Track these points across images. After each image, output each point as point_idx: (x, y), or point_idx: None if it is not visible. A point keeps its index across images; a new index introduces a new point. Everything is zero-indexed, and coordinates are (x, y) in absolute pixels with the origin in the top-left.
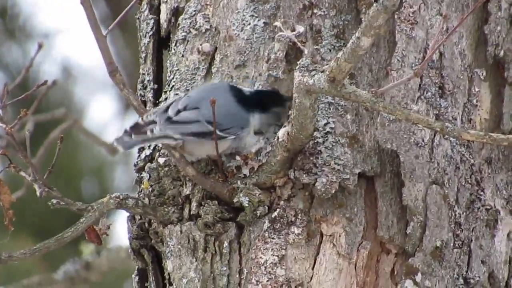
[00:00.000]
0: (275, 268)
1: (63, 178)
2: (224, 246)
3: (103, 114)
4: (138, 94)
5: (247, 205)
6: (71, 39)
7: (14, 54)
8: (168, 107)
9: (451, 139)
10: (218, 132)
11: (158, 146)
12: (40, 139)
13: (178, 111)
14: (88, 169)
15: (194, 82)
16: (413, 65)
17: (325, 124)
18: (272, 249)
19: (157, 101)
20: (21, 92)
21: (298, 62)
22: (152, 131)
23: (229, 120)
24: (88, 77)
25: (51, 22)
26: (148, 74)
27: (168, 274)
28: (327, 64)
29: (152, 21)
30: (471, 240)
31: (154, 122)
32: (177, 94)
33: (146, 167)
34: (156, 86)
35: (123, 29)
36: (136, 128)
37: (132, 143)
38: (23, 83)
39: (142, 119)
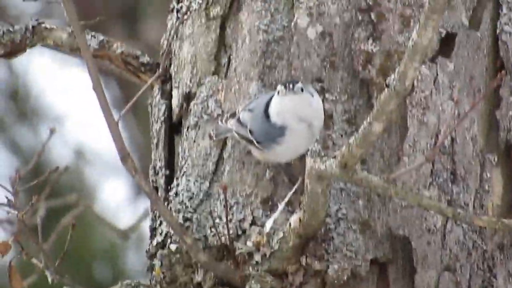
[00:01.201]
0: None
1: (75, 263)
2: None
3: (115, 198)
4: (150, 180)
5: None
6: (83, 123)
7: (25, 136)
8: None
9: (463, 225)
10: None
11: (170, 233)
12: (52, 224)
13: (245, 110)
14: (100, 254)
15: (205, 169)
16: (425, 150)
17: (337, 210)
18: None
19: (169, 188)
20: (33, 176)
21: (309, 148)
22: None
23: (260, 135)
24: (100, 161)
25: (62, 105)
26: (159, 160)
27: None
28: (338, 150)
29: (164, 106)
30: None
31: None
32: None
33: (157, 254)
34: (168, 172)
35: (136, 113)
36: (231, 117)
37: (218, 132)
38: (35, 167)
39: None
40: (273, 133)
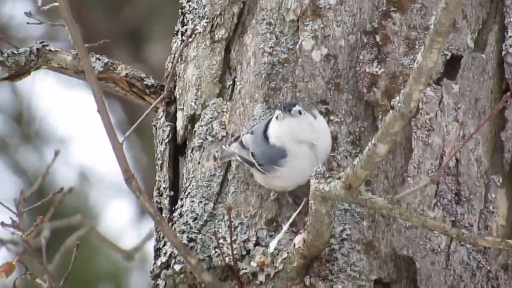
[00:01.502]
0: None
1: (80, 284)
2: None
3: (119, 219)
4: (154, 201)
5: None
6: (88, 145)
7: (30, 158)
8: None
9: (467, 245)
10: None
11: (174, 253)
12: (56, 245)
13: (247, 132)
14: (105, 275)
15: (210, 190)
16: (430, 171)
17: (341, 231)
18: None
19: (173, 208)
20: (37, 198)
21: (314, 169)
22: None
23: (262, 157)
24: (104, 182)
25: (67, 127)
26: (164, 181)
27: None
28: (343, 171)
29: (168, 128)
30: None
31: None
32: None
33: (162, 274)
34: (172, 193)
35: (140, 134)
36: (235, 140)
37: (223, 156)
38: (40, 188)
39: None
40: (273, 155)
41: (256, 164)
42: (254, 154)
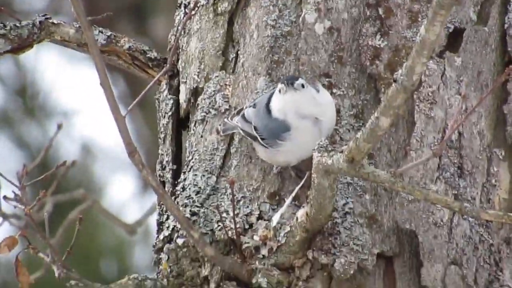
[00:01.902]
0: None
1: (82, 258)
2: None
3: (122, 193)
4: (157, 175)
5: (265, 286)
6: (91, 118)
7: (33, 132)
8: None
9: (469, 219)
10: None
11: (177, 227)
12: (59, 220)
13: (249, 106)
14: (108, 249)
15: (213, 163)
16: (432, 145)
17: (344, 205)
18: None
19: (176, 182)
20: (40, 172)
21: (317, 142)
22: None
23: (265, 132)
24: (108, 156)
25: (70, 100)
26: (167, 155)
27: None
28: (345, 144)
29: (171, 101)
30: None
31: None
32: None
33: (164, 248)
34: (175, 166)
35: (143, 108)
36: (237, 113)
37: (225, 128)
38: (42, 162)
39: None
40: (276, 129)
41: (258, 138)
42: (256, 128)
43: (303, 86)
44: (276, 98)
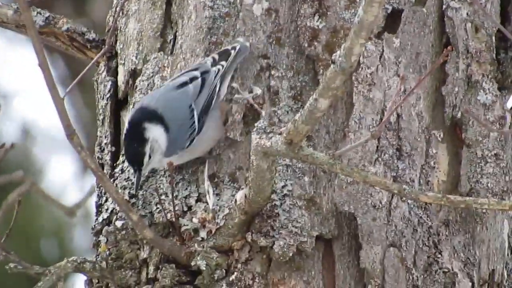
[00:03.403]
0: None
1: (22, 240)
2: None
3: (62, 175)
4: (96, 157)
5: (204, 268)
6: (30, 100)
7: None
8: None
9: (408, 201)
10: None
11: (116, 209)
12: None
13: None
14: (47, 231)
15: None
16: (371, 126)
17: (283, 187)
18: None
19: (115, 164)
20: None
21: (255, 124)
22: None
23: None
24: (47, 138)
25: (9, 82)
26: (105, 137)
27: None
28: (284, 126)
29: (110, 83)
30: None
31: None
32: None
33: (103, 230)
34: (113, 148)
35: (83, 89)
36: None
37: None
38: None
39: None
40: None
41: None
42: None
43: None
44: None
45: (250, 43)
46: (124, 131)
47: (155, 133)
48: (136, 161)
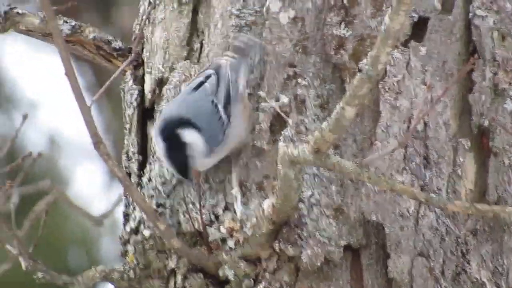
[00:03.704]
0: None
1: (50, 250)
2: None
3: (90, 184)
4: (123, 166)
5: (232, 278)
6: (57, 109)
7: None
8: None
9: (436, 210)
10: None
11: (143, 219)
12: (25, 211)
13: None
14: (75, 240)
15: None
16: (398, 135)
17: (310, 196)
18: None
19: (142, 173)
20: (6, 163)
21: (282, 133)
22: None
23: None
24: (74, 147)
25: (36, 91)
26: (132, 145)
27: None
28: (311, 135)
29: (136, 91)
30: None
31: None
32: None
33: (131, 240)
34: (140, 157)
35: (111, 98)
36: None
37: None
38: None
39: None
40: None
41: None
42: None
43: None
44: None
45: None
46: (160, 149)
47: (190, 137)
48: (183, 170)
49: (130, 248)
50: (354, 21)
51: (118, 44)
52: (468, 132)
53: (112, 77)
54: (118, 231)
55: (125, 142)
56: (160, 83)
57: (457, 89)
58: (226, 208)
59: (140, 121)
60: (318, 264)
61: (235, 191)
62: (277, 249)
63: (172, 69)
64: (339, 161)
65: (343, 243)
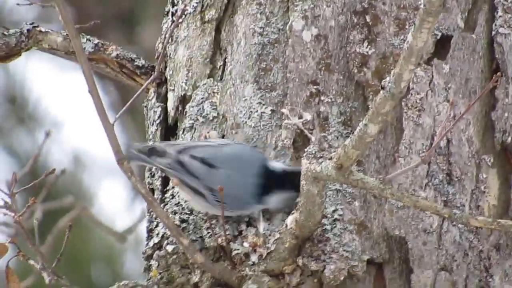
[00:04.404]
0: None
1: (73, 265)
2: None
3: (112, 201)
4: (146, 182)
5: None
6: (80, 126)
7: (23, 141)
8: (184, 148)
9: (459, 225)
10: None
11: (167, 234)
12: (49, 227)
13: (193, 157)
14: (98, 256)
15: None
16: (421, 151)
17: (333, 211)
18: None
19: (165, 189)
20: (30, 180)
21: (305, 150)
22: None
23: (232, 201)
24: (97, 164)
25: (60, 109)
26: None
27: None
28: (334, 151)
29: (160, 109)
30: None
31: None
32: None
33: (154, 255)
34: (164, 174)
35: (134, 116)
36: (150, 151)
37: (135, 157)
38: (33, 170)
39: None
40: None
41: (211, 198)
42: (213, 190)
43: None
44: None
45: None
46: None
47: None
48: None
49: (153, 263)
50: (377, 39)
51: (141, 62)
52: (491, 149)
53: (136, 95)
54: (142, 247)
55: None
56: (183, 100)
57: (480, 107)
58: (249, 224)
59: (163, 138)
60: (341, 278)
61: (258, 211)
62: (300, 264)
63: (195, 86)
64: (362, 178)
65: (366, 257)
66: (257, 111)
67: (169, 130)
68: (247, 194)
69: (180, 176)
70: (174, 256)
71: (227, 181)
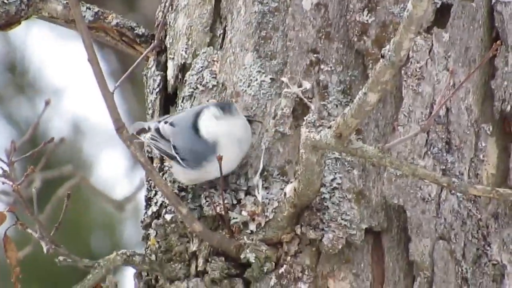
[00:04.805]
0: None
1: (72, 234)
2: None
3: (112, 169)
4: (145, 151)
5: (254, 261)
6: (80, 95)
7: (23, 109)
8: (164, 118)
9: (457, 194)
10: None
11: (165, 203)
12: (47, 196)
13: (166, 122)
14: (97, 225)
15: None
16: (420, 120)
17: (332, 180)
18: None
19: (164, 158)
20: (29, 148)
21: (305, 118)
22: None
23: (190, 155)
24: (97, 132)
25: (60, 77)
26: None
27: None
28: (333, 120)
29: (159, 77)
30: None
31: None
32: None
33: (152, 224)
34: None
35: (134, 84)
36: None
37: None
38: (32, 139)
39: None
40: (204, 151)
41: (178, 158)
42: (176, 147)
43: (237, 112)
44: (209, 121)
45: None
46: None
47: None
48: None
49: (151, 232)
50: (377, 7)
51: (141, 30)
52: (490, 118)
53: (135, 64)
54: (140, 216)
55: None
56: (183, 69)
57: (479, 75)
58: (247, 193)
59: (163, 107)
60: (340, 247)
61: (256, 179)
62: (298, 232)
63: (195, 55)
64: (361, 146)
65: (364, 226)
66: (256, 79)
67: (169, 99)
68: (202, 146)
69: (157, 144)
70: (173, 225)
71: (182, 135)
